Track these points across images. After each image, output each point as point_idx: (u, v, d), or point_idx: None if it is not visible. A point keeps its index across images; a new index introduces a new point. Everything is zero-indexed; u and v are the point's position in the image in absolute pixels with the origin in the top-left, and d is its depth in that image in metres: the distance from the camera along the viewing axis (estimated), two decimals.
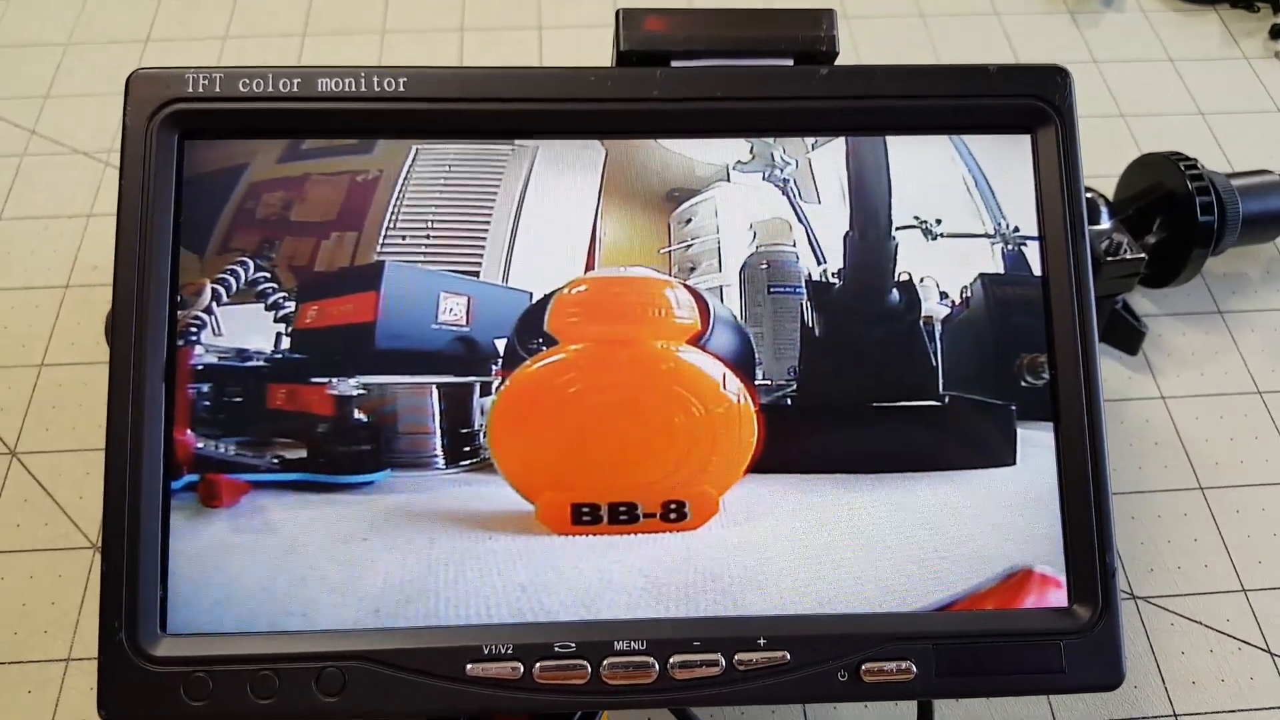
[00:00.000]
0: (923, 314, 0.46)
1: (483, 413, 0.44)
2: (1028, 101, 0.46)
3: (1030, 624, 0.43)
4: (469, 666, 0.41)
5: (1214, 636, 0.54)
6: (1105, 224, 0.59)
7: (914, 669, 0.42)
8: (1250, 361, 0.64)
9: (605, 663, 0.41)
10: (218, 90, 0.44)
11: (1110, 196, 0.66)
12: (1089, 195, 0.58)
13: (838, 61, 0.48)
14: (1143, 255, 0.58)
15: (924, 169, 0.47)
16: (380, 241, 0.45)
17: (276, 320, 0.44)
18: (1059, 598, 0.44)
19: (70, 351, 0.62)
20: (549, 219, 0.46)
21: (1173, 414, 0.62)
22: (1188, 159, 0.62)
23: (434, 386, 0.44)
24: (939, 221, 0.47)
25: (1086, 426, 0.44)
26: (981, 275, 0.46)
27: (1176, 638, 0.54)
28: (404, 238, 0.45)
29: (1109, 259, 0.57)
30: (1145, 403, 0.62)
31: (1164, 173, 0.63)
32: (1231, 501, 0.59)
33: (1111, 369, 0.63)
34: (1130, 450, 0.60)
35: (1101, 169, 0.68)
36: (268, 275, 0.44)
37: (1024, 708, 0.51)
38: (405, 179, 0.45)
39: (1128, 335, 0.63)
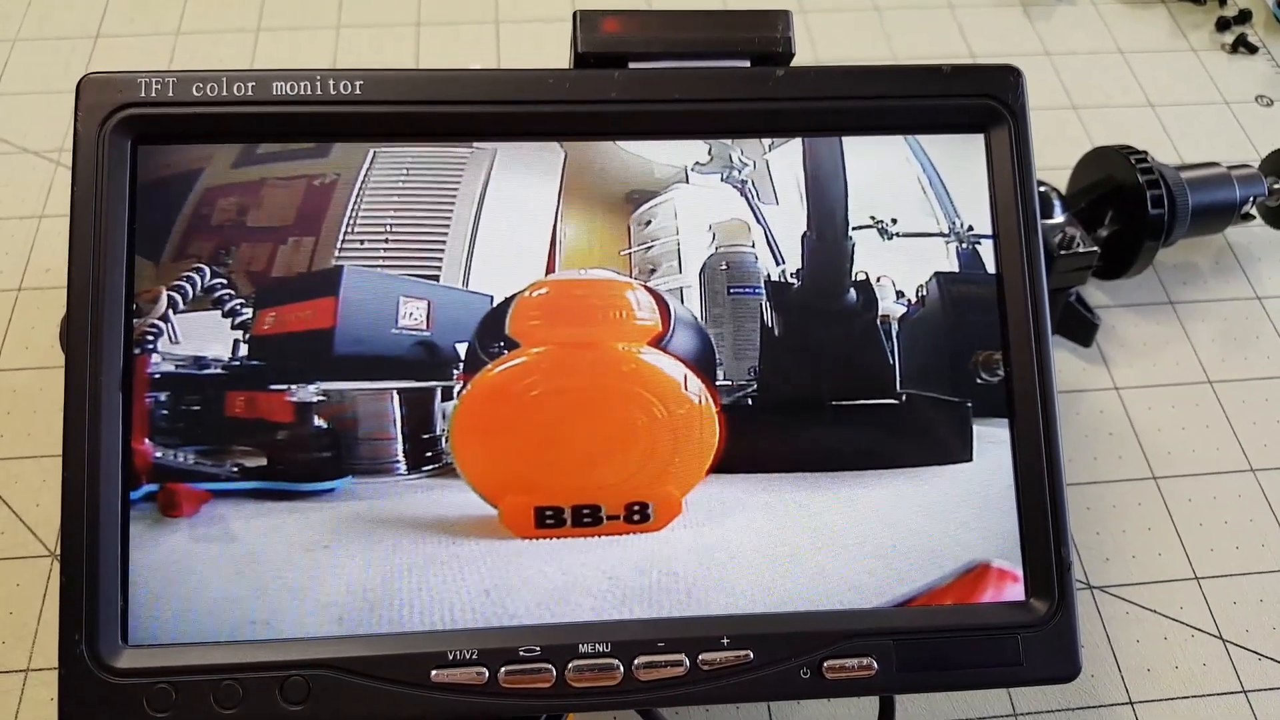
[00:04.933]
0: (880, 313, 0.46)
1: (444, 417, 0.44)
2: (981, 101, 0.47)
3: (988, 618, 0.44)
4: (434, 673, 0.41)
5: (1168, 624, 0.55)
6: (1059, 217, 0.60)
7: (875, 665, 0.42)
8: (1201, 352, 0.65)
9: (570, 665, 0.41)
10: (171, 95, 0.43)
11: (1063, 189, 0.67)
12: (1042, 189, 0.59)
13: (795, 58, 0.48)
14: (1095, 248, 0.59)
15: (880, 169, 0.47)
16: (338, 246, 0.44)
17: (234, 327, 0.43)
18: (1016, 591, 0.44)
19: (24, 356, 0.61)
20: (509, 222, 0.46)
21: (1126, 405, 0.63)
22: (1138, 152, 0.63)
23: (395, 392, 0.44)
24: (895, 221, 0.47)
25: (1041, 423, 0.45)
26: (937, 274, 0.47)
27: (1132, 626, 0.55)
28: (362, 242, 0.44)
29: (1062, 252, 0.58)
30: (1099, 394, 0.63)
31: (1115, 166, 0.64)
32: (1184, 491, 0.60)
33: (1066, 360, 0.64)
34: (1085, 441, 0.61)
35: (1055, 161, 0.69)
36: (224, 282, 0.44)
37: (984, 698, 0.52)
38: (363, 183, 0.45)
39: (1081, 327, 0.64)
